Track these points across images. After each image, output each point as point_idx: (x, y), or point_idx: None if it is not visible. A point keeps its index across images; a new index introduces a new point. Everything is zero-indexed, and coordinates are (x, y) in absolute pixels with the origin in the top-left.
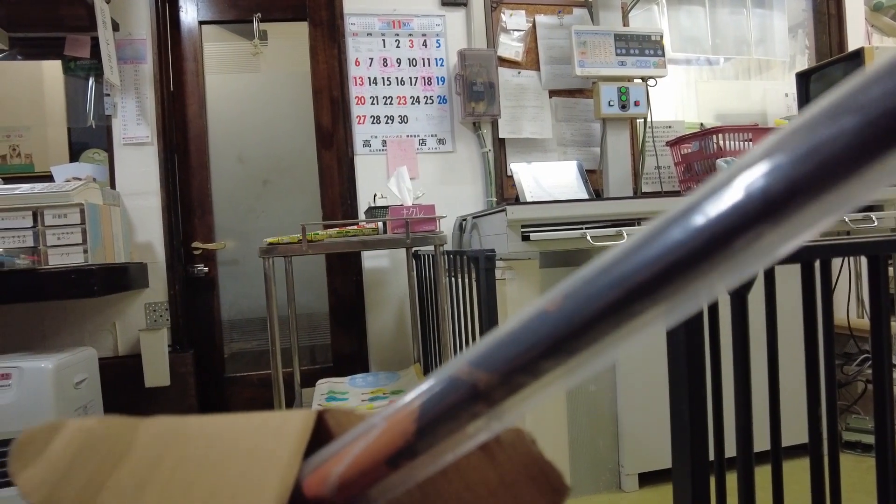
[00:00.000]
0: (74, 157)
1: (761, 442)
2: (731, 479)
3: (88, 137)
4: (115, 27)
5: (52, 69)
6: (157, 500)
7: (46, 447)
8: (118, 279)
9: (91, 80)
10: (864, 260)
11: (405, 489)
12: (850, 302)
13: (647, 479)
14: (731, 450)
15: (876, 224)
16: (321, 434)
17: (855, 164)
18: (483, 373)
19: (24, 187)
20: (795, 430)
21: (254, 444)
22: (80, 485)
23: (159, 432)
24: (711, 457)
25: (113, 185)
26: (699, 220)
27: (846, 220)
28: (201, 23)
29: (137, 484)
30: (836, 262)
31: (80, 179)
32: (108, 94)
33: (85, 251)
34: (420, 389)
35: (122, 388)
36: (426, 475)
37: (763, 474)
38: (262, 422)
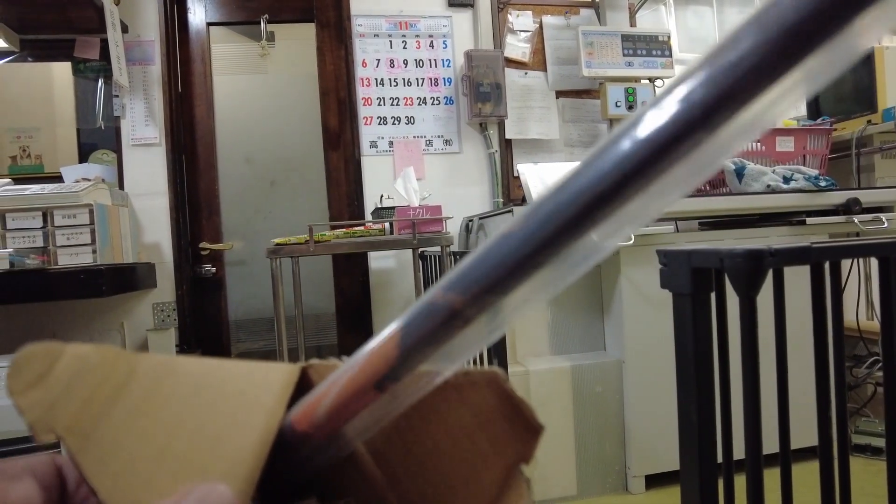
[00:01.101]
0: (83, 157)
1: (770, 444)
2: (740, 482)
3: (97, 138)
4: (124, 29)
5: (61, 71)
6: (148, 429)
7: (47, 369)
8: (126, 279)
9: (100, 82)
10: (874, 262)
11: (386, 423)
12: (859, 304)
13: (654, 481)
14: (739, 452)
15: (886, 225)
16: (305, 387)
17: (768, 77)
18: (457, 295)
19: (34, 188)
20: (804, 433)
21: (241, 388)
22: (77, 408)
23: (153, 366)
24: (719, 459)
25: (121, 186)
26: (643, 132)
27: (856, 221)
28: (209, 24)
29: (131, 412)
30: (845, 264)
31: (89, 180)
32: (116, 96)
33: (94, 251)
34: (400, 318)
35: None
36: (410, 401)
37: (772, 477)
38: (249, 369)
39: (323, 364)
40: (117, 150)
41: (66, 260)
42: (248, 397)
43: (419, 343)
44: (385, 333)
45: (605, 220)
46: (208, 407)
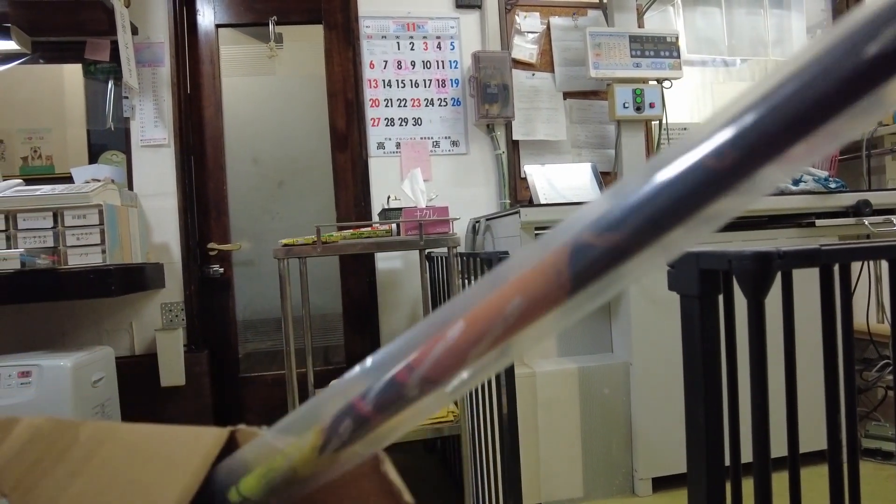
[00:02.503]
0: (93, 158)
1: (778, 448)
2: (748, 486)
3: (107, 139)
4: (134, 31)
5: (72, 72)
6: (82, 488)
7: (3, 437)
8: (135, 279)
9: (110, 83)
10: (884, 264)
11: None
12: (869, 307)
13: (661, 483)
14: (747, 455)
15: None
16: (232, 447)
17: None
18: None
19: (45, 188)
20: (813, 437)
21: (170, 452)
22: (24, 469)
23: (95, 433)
24: (727, 462)
25: (131, 187)
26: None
27: (866, 223)
28: (218, 26)
29: (70, 473)
30: (855, 266)
31: (98, 181)
32: (126, 97)
33: (103, 251)
34: (557, 243)
35: (139, 387)
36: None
37: (780, 481)
38: (180, 434)
39: (249, 430)
40: (127, 151)
41: (75, 260)
42: (175, 460)
43: (588, 270)
44: (544, 252)
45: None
46: (139, 469)
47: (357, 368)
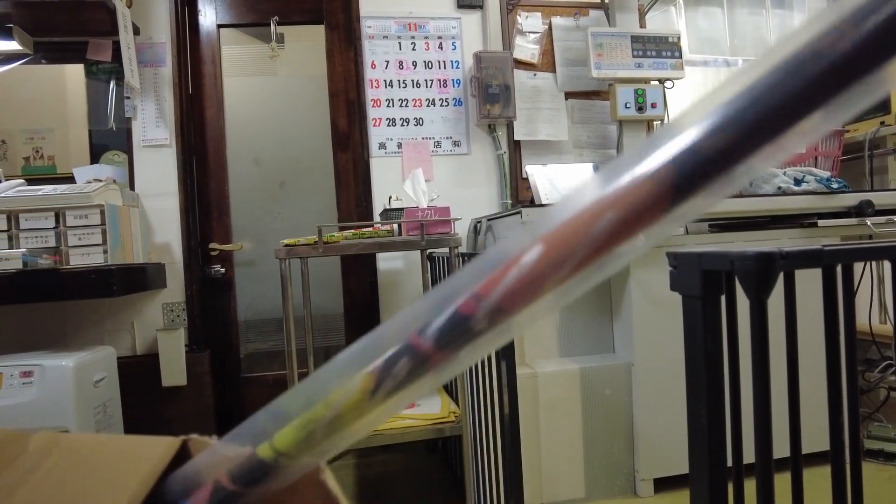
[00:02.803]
0: (95, 158)
1: (781, 449)
2: (750, 486)
3: (109, 139)
4: (136, 31)
5: (74, 73)
6: (26, 497)
7: None
8: (137, 279)
9: (112, 84)
10: (887, 265)
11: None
12: (872, 307)
13: (663, 484)
14: (749, 456)
15: None
16: (185, 457)
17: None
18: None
19: (47, 189)
20: (816, 438)
21: (119, 461)
22: None
23: (43, 443)
24: (729, 463)
25: (132, 187)
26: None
27: (868, 223)
28: (219, 26)
29: (15, 484)
30: (857, 267)
31: (100, 181)
32: (128, 97)
33: (105, 251)
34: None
35: (140, 387)
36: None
37: (783, 482)
38: (131, 444)
39: (201, 440)
40: (128, 151)
41: (77, 260)
42: (123, 470)
43: (694, 175)
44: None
45: None
46: (86, 479)
47: (406, 310)
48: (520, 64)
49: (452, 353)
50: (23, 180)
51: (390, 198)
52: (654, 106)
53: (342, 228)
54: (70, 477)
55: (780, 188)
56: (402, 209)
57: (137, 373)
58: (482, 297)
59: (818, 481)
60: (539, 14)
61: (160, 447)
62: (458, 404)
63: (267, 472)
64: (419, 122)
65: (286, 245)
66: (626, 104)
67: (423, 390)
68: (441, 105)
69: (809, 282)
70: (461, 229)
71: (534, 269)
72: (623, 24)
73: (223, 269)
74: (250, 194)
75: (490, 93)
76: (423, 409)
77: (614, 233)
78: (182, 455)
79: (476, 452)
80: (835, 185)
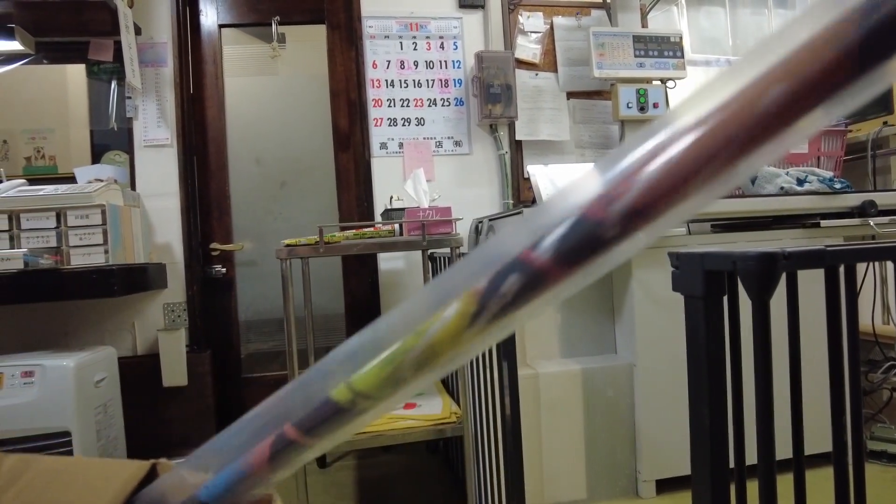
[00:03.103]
0: (96, 158)
1: (783, 450)
2: (752, 488)
3: (110, 139)
4: (138, 31)
5: (75, 73)
6: None
7: None
8: (137, 279)
9: (113, 84)
10: (890, 265)
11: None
12: (875, 308)
13: (665, 485)
14: (751, 457)
15: None
16: (152, 478)
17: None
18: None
19: (48, 189)
20: (818, 439)
21: (88, 482)
22: None
23: (14, 464)
24: (732, 464)
25: (133, 187)
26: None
27: (871, 224)
28: (221, 26)
29: None
30: (860, 267)
31: (101, 181)
32: (129, 97)
33: (106, 251)
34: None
35: (141, 387)
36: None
37: (785, 483)
38: (100, 466)
39: (168, 463)
40: (129, 151)
41: (78, 260)
42: (92, 490)
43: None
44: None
45: None
46: (57, 499)
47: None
48: (521, 64)
49: (578, 266)
50: (24, 180)
51: (391, 198)
52: (655, 106)
53: (343, 228)
54: (41, 498)
55: (782, 188)
56: (403, 209)
57: (138, 373)
58: (614, 199)
59: (821, 483)
60: (541, 14)
61: (129, 469)
62: (459, 405)
63: (342, 417)
64: (420, 122)
65: (287, 245)
66: (627, 104)
67: (538, 313)
68: (442, 105)
69: (812, 282)
70: (462, 229)
71: (681, 162)
72: (625, 24)
73: (224, 270)
74: (251, 194)
75: (491, 93)
76: (424, 410)
77: (782, 112)
78: (151, 478)
79: (477, 453)
80: (838, 186)
